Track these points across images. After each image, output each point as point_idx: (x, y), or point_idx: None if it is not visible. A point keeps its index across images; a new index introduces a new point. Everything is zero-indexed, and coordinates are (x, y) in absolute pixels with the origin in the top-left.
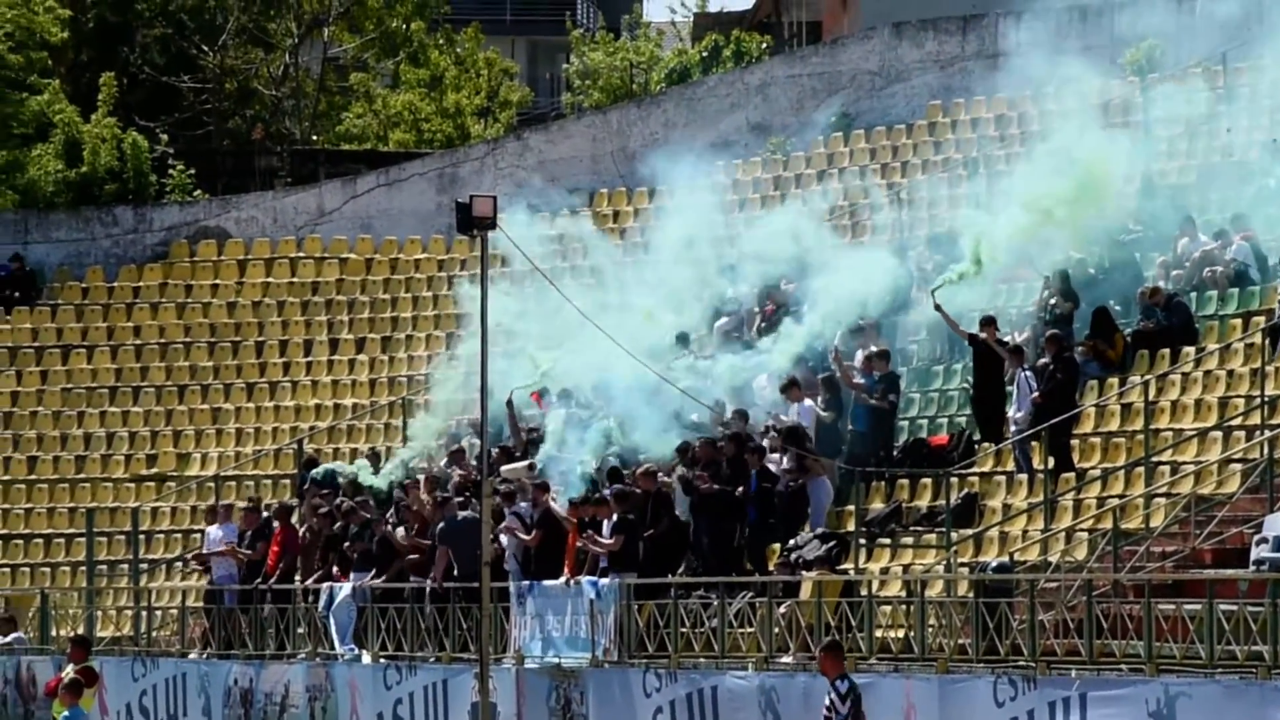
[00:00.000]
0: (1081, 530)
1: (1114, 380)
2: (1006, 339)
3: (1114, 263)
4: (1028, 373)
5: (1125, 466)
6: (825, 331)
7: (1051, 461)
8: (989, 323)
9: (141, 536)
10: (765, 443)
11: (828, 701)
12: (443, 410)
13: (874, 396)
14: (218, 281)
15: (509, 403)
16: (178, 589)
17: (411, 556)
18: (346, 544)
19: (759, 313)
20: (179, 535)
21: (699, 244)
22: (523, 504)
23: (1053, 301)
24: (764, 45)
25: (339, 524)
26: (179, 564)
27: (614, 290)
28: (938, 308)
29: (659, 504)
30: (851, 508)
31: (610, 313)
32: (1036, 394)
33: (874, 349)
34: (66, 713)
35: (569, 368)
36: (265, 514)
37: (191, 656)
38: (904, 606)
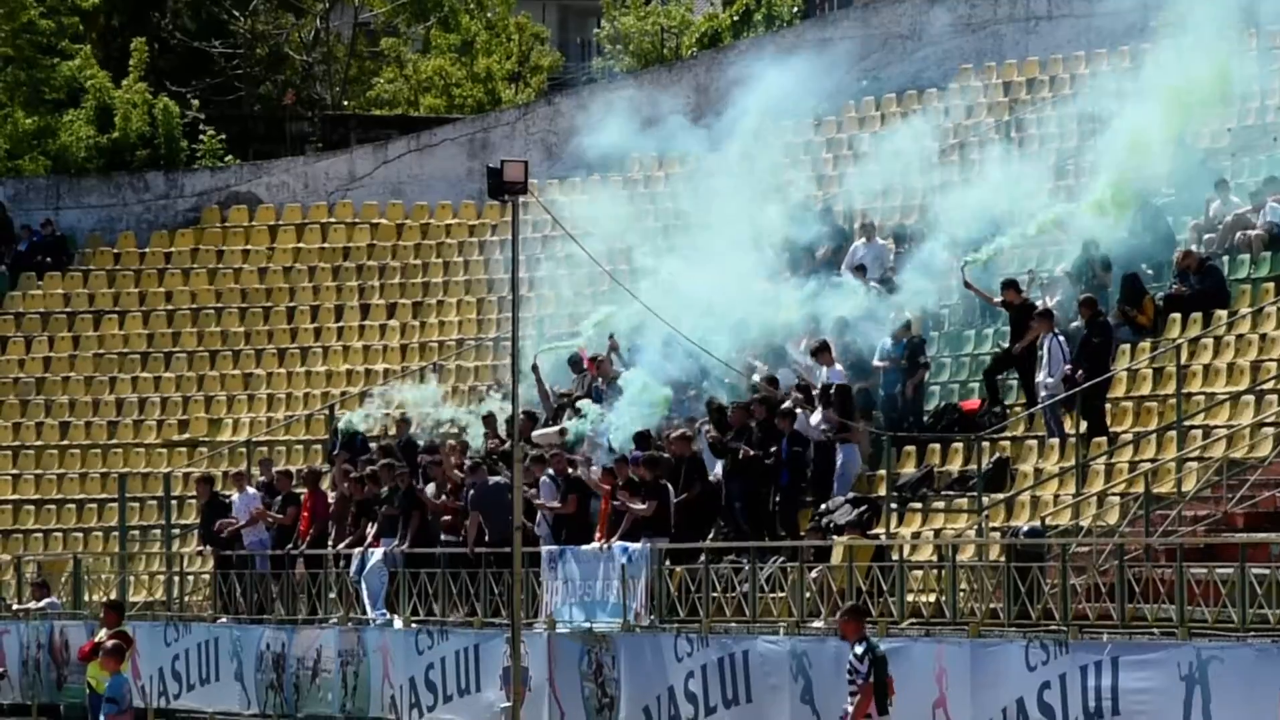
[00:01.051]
0: (1113, 494)
1: (1146, 344)
2: (1037, 303)
3: (1146, 226)
4: (1060, 338)
5: (1157, 430)
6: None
7: (1084, 425)
8: (1009, 285)
9: (173, 502)
10: (792, 399)
11: (848, 665)
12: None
13: (901, 361)
14: (249, 247)
15: (534, 367)
16: (210, 554)
17: (445, 518)
18: (380, 507)
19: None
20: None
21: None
22: (551, 469)
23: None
24: (795, 9)
25: (369, 487)
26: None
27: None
28: (967, 284)
29: (691, 469)
30: (883, 472)
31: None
32: (1067, 364)
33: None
34: (110, 679)
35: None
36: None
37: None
38: (935, 571)
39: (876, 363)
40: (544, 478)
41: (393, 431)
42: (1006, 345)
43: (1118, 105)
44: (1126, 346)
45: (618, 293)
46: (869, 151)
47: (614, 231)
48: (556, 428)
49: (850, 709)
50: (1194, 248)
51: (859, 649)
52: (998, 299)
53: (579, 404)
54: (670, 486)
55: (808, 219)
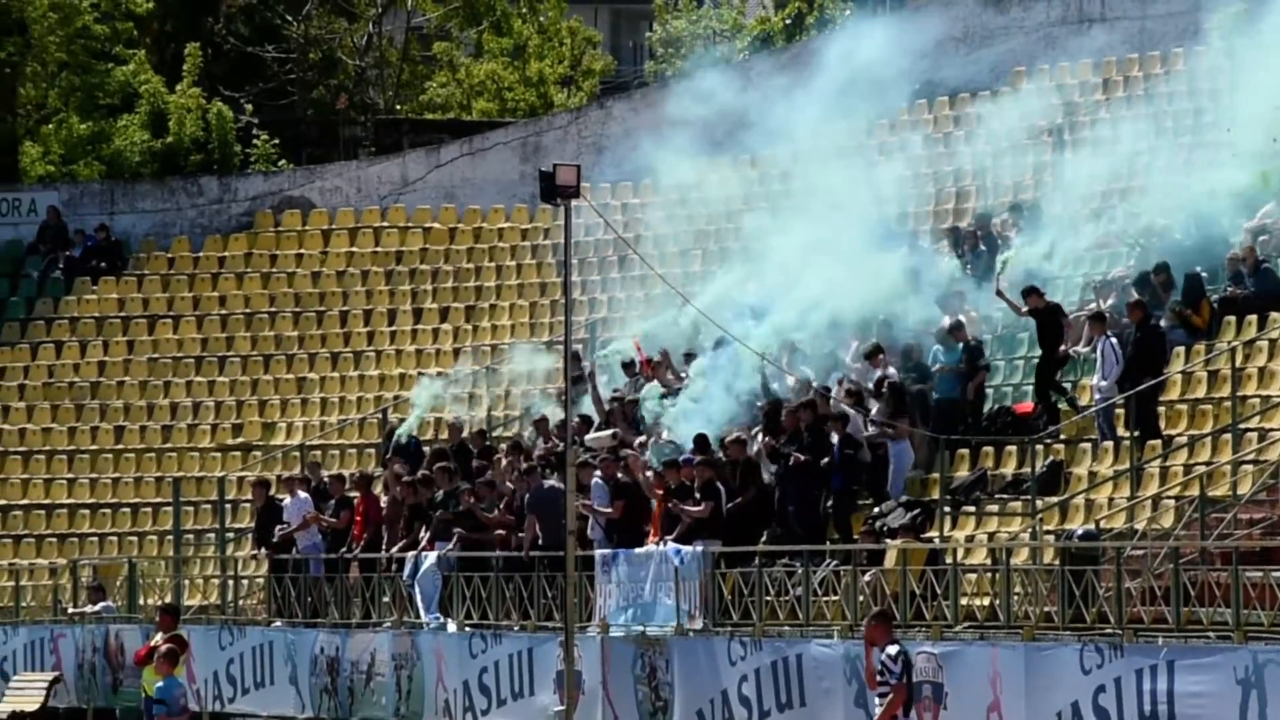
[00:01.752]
0: (1168, 497)
1: (1201, 347)
2: (1092, 305)
3: (1200, 228)
4: (1112, 340)
5: (1212, 433)
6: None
7: (1136, 429)
8: (1030, 291)
9: (227, 506)
10: (835, 395)
11: (880, 666)
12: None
13: (960, 367)
14: (302, 251)
15: (590, 374)
16: (264, 558)
17: (499, 532)
18: (434, 511)
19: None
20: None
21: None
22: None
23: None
24: (847, 11)
25: (422, 491)
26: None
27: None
28: (999, 293)
29: (746, 472)
30: (936, 475)
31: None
32: (1118, 367)
33: (948, 322)
34: (161, 682)
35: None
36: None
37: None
38: (989, 574)
39: (936, 366)
40: (594, 481)
41: (444, 435)
42: (1046, 351)
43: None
44: (1181, 349)
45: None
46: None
47: (720, 200)
48: (609, 431)
49: (879, 710)
50: (1253, 249)
51: (892, 650)
52: (1024, 308)
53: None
54: (722, 489)
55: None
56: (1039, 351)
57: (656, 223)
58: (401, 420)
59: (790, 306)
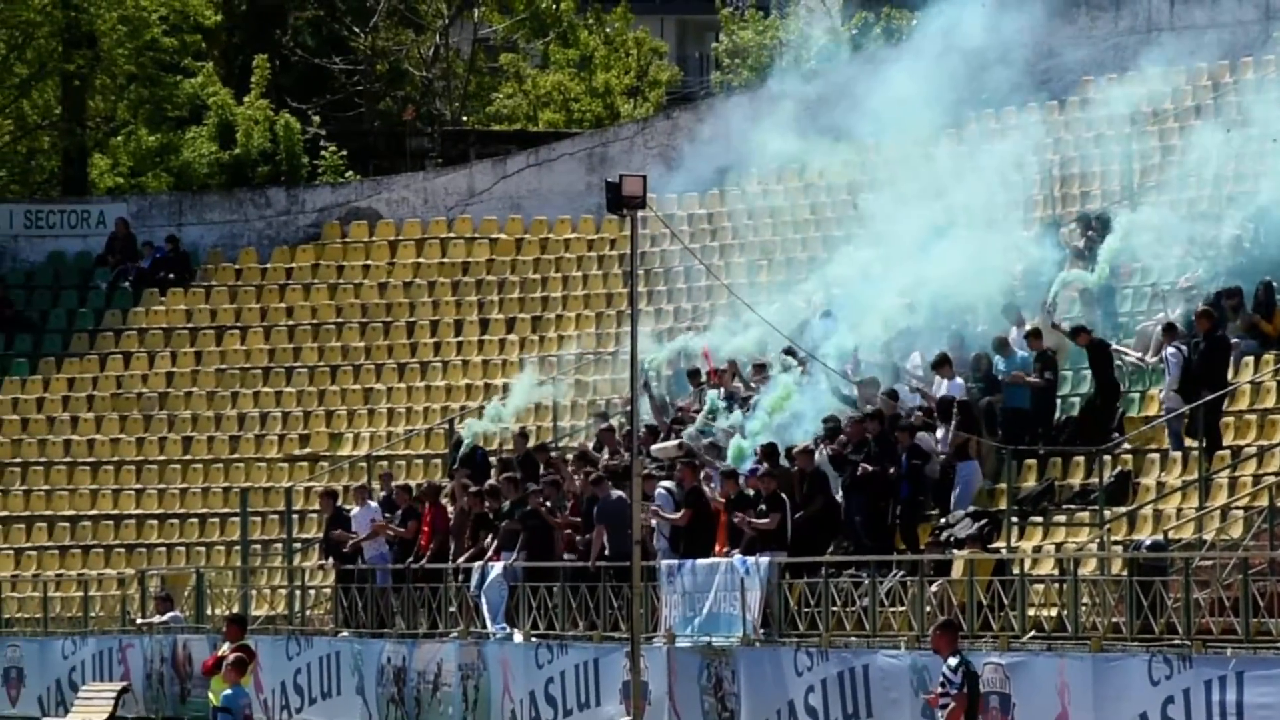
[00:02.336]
0: (1237, 508)
1: (1270, 356)
2: (1159, 314)
3: (1270, 238)
4: (1173, 349)
5: None
6: None
7: (1203, 440)
8: (1079, 331)
9: (295, 516)
10: (914, 419)
11: (942, 677)
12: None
13: (1030, 374)
14: (369, 262)
15: (645, 384)
16: (331, 568)
17: (566, 532)
18: (501, 521)
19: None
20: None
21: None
22: (666, 482)
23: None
24: (914, 22)
25: (489, 501)
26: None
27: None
28: (1055, 326)
29: (814, 482)
30: (1004, 486)
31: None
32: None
33: (1028, 327)
34: (229, 690)
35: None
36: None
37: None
38: (1057, 585)
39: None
40: (660, 490)
41: (510, 446)
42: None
43: None
44: (1250, 359)
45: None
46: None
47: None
48: (675, 441)
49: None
50: None
51: (953, 661)
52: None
53: (715, 400)
54: (787, 500)
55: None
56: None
57: (745, 214)
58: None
59: (906, 290)
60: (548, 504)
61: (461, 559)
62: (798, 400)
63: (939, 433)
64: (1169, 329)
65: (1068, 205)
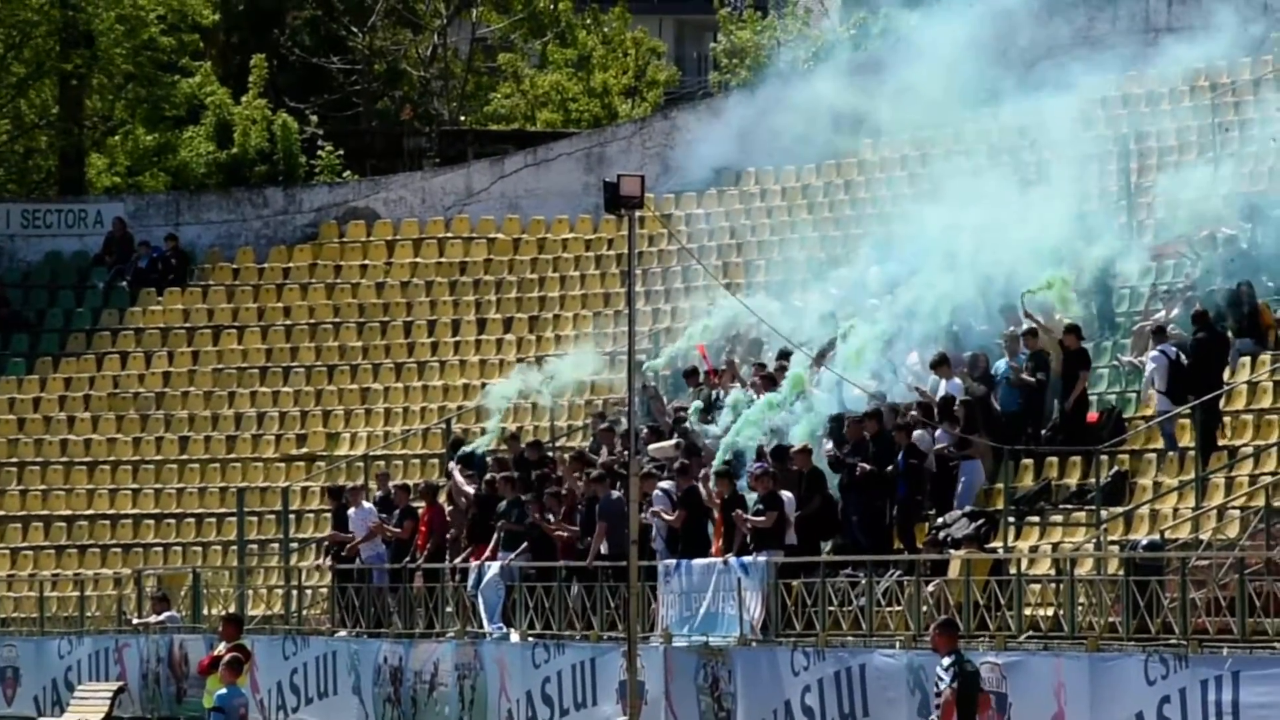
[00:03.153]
0: (1233, 508)
1: (1266, 357)
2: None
3: (1266, 236)
4: (1159, 351)
5: (1278, 443)
6: None
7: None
8: (1071, 330)
9: (291, 516)
10: (912, 414)
11: (936, 676)
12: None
13: (1024, 372)
14: (366, 262)
15: (645, 386)
16: (328, 568)
17: (559, 534)
18: (499, 522)
19: None
20: (329, 515)
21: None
22: (665, 483)
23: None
24: (913, 23)
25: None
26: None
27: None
28: (1027, 314)
29: (812, 482)
30: (1000, 486)
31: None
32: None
33: (1023, 328)
34: (223, 690)
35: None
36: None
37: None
38: (1053, 585)
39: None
40: (658, 491)
41: (504, 448)
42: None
43: None
44: (1246, 359)
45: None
46: None
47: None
48: (673, 441)
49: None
50: None
51: (946, 660)
52: (1057, 334)
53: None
54: (782, 498)
55: None
56: (1105, 361)
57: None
58: (466, 430)
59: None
60: (549, 516)
61: (459, 559)
62: (785, 415)
63: (938, 432)
64: (1158, 332)
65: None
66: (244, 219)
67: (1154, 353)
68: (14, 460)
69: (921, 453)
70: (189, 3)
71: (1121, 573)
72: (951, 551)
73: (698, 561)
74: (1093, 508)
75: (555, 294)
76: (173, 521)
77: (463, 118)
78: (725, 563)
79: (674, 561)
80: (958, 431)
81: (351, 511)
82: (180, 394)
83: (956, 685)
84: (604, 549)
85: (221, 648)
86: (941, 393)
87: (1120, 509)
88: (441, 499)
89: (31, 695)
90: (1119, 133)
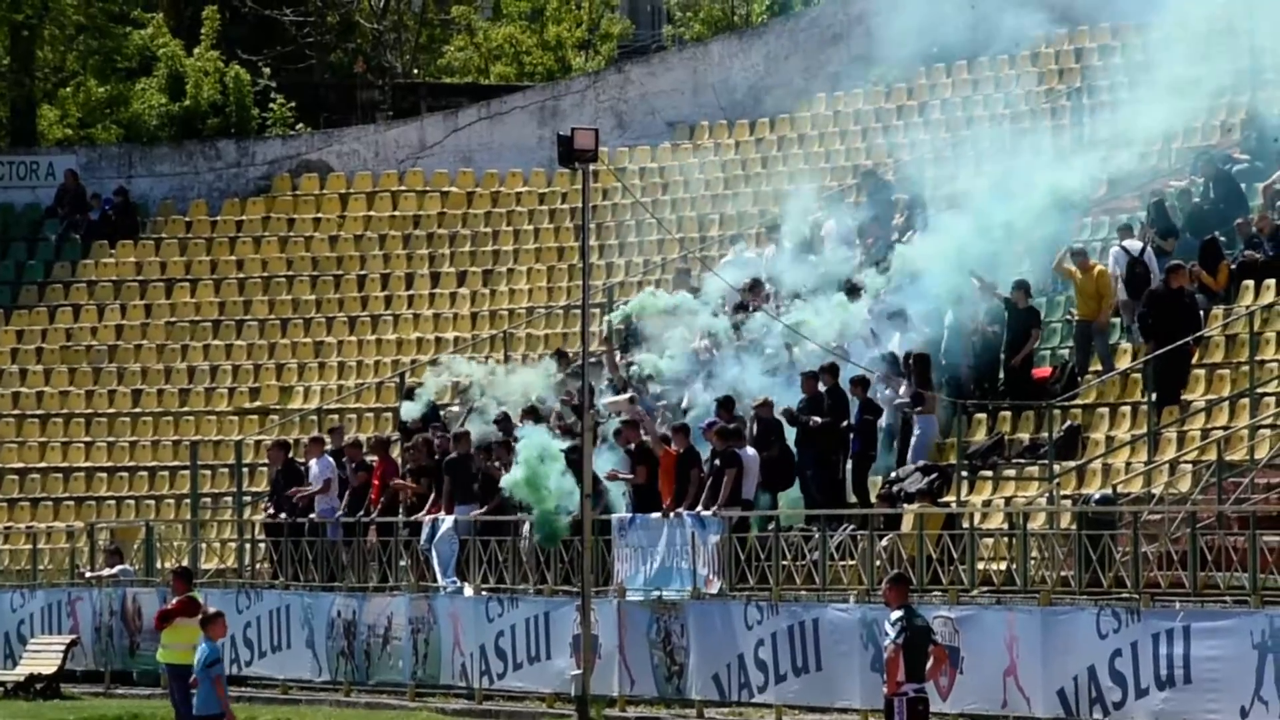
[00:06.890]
0: (1185, 462)
1: (1218, 311)
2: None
3: (1219, 192)
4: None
5: (1230, 398)
6: None
7: (1154, 395)
8: (1020, 286)
9: (245, 469)
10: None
11: (883, 631)
12: None
13: (985, 325)
14: (320, 215)
15: (608, 338)
16: (280, 523)
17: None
18: (447, 477)
19: None
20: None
21: None
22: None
23: (1151, 235)
24: None
25: (437, 456)
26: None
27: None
28: (972, 272)
29: (767, 430)
30: (954, 440)
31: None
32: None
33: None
34: (205, 648)
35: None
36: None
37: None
38: (1006, 539)
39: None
40: (623, 450)
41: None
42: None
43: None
44: (1199, 314)
45: None
46: None
47: None
48: (626, 395)
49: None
50: (1268, 214)
51: (895, 614)
52: (1002, 292)
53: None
54: (741, 456)
55: None
56: (1058, 316)
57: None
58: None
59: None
60: (497, 464)
61: (415, 515)
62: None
63: (899, 393)
64: (1124, 228)
65: None
66: (197, 171)
67: (1116, 249)
68: None
69: (877, 408)
70: None
71: (1074, 527)
72: (905, 506)
73: (652, 516)
74: (1045, 462)
75: (509, 248)
76: (125, 475)
77: (416, 71)
78: (678, 516)
79: (628, 515)
80: (903, 386)
81: (313, 462)
82: (133, 347)
83: (902, 641)
84: None
85: (173, 601)
86: (894, 347)
87: (1073, 463)
88: (394, 452)
89: None
90: None
